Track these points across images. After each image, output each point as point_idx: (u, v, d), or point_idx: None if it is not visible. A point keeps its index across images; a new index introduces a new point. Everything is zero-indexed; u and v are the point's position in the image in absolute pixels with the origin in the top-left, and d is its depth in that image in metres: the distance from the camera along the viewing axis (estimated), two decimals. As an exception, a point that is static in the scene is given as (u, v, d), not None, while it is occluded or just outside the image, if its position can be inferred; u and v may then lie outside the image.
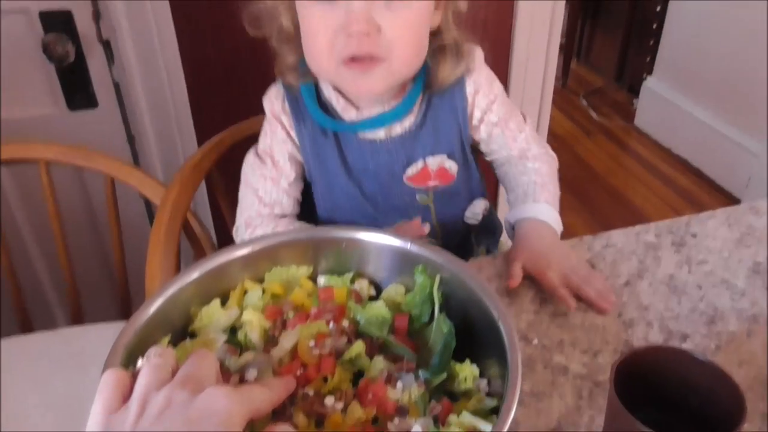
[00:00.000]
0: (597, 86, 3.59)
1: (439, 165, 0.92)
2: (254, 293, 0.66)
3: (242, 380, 0.54)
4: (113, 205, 1.12)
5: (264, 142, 0.92)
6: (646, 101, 3.13)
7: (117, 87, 1.46)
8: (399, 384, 0.56)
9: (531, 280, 0.84)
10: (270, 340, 0.61)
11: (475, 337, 0.60)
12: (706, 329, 0.77)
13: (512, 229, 0.93)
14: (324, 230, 0.76)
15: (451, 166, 0.93)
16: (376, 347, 0.61)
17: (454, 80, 0.89)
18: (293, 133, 0.90)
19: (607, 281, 0.83)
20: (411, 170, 0.91)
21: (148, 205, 1.60)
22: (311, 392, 0.55)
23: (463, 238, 1.02)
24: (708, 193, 2.70)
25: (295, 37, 0.83)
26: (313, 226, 0.91)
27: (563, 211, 0.94)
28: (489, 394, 0.57)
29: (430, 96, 0.89)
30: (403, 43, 0.77)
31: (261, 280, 0.67)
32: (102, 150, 1.11)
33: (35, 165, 1.11)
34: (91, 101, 1.44)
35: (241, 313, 0.63)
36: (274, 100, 0.90)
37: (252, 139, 1.13)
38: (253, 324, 0.61)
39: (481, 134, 0.96)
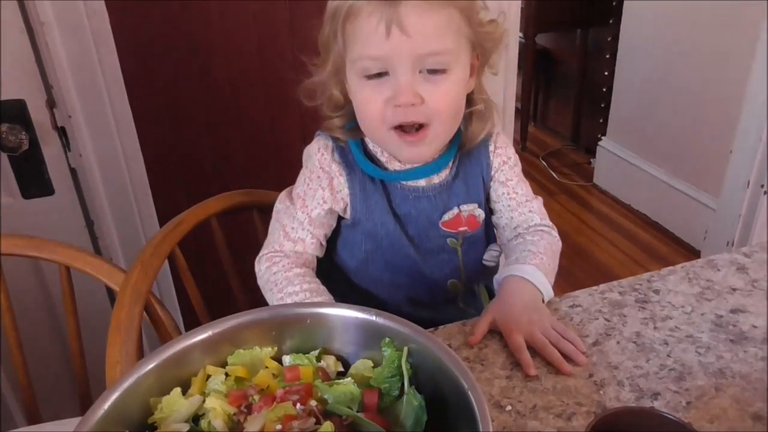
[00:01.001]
0: (555, 148, 3.69)
1: (470, 213, 1.00)
2: (217, 378, 0.63)
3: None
4: (69, 294, 1.09)
5: (299, 186, 0.99)
6: (603, 161, 3.22)
7: (74, 172, 1.44)
8: (370, 463, 0.54)
9: (503, 343, 0.84)
10: (235, 426, 0.59)
11: (447, 408, 0.59)
12: (676, 386, 0.76)
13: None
14: (287, 308, 0.75)
15: (480, 215, 1.01)
16: (345, 426, 0.59)
17: (484, 136, 0.98)
18: (342, 180, 0.96)
19: (581, 342, 0.83)
20: (447, 216, 0.98)
21: (111, 293, 1.56)
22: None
23: (484, 278, 1.08)
24: (668, 245, 2.76)
25: (343, 105, 0.95)
26: (275, 306, 0.90)
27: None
28: (463, 467, 0.55)
29: (462, 152, 0.99)
30: (444, 110, 0.87)
31: (224, 365, 0.65)
32: (60, 237, 1.09)
33: (-15, 259, 1.08)
34: (46, 189, 1.42)
35: (204, 400, 0.60)
36: (323, 151, 0.97)
37: (217, 216, 1.13)
38: (217, 411, 0.59)
39: (490, 190, 1.03)
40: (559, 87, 3.73)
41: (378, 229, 0.97)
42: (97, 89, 1.38)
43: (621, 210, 3.05)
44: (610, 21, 3.02)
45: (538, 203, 1.05)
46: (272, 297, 0.93)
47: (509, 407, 0.75)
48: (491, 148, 1.00)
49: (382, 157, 0.96)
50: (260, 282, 0.97)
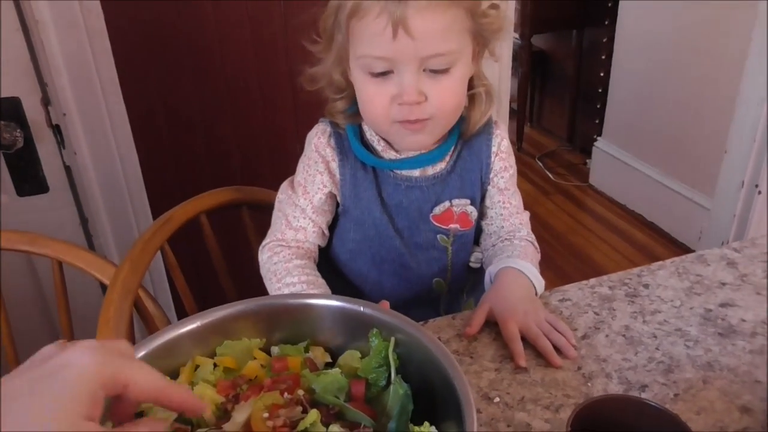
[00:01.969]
0: (551, 149, 3.70)
1: (462, 210, 1.00)
2: (205, 368, 0.64)
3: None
4: (62, 289, 1.09)
5: (300, 174, 1.00)
6: (598, 161, 3.23)
7: (68, 170, 1.45)
8: (356, 451, 0.54)
9: (492, 337, 0.84)
10: (223, 415, 0.59)
11: (434, 398, 0.59)
12: (664, 378, 0.77)
13: (491, 282, 0.95)
14: (275, 299, 0.76)
15: (472, 212, 1.01)
16: (332, 415, 0.59)
17: (485, 129, 0.99)
18: (334, 166, 0.97)
19: (572, 335, 0.83)
20: (438, 209, 0.98)
21: (104, 288, 1.56)
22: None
23: (467, 280, 1.08)
24: (663, 245, 2.77)
25: (345, 88, 0.96)
26: (263, 297, 0.90)
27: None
28: (449, 455, 0.55)
29: (462, 146, 0.99)
30: (447, 105, 0.89)
31: (212, 355, 0.66)
32: (54, 234, 1.09)
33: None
34: (41, 186, 1.42)
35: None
36: (320, 136, 0.98)
37: (206, 213, 1.13)
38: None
39: (486, 192, 1.03)
40: (554, 88, 3.74)
41: (365, 217, 0.97)
42: (92, 87, 1.38)
43: (616, 210, 3.06)
44: (606, 22, 3.03)
45: (526, 217, 1.06)
46: (271, 287, 0.94)
47: (497, 399, 0.75)
48: (494, 149, 1.01)
49: (378, 146, 0.97)
50: (262, 271, 0.98)
